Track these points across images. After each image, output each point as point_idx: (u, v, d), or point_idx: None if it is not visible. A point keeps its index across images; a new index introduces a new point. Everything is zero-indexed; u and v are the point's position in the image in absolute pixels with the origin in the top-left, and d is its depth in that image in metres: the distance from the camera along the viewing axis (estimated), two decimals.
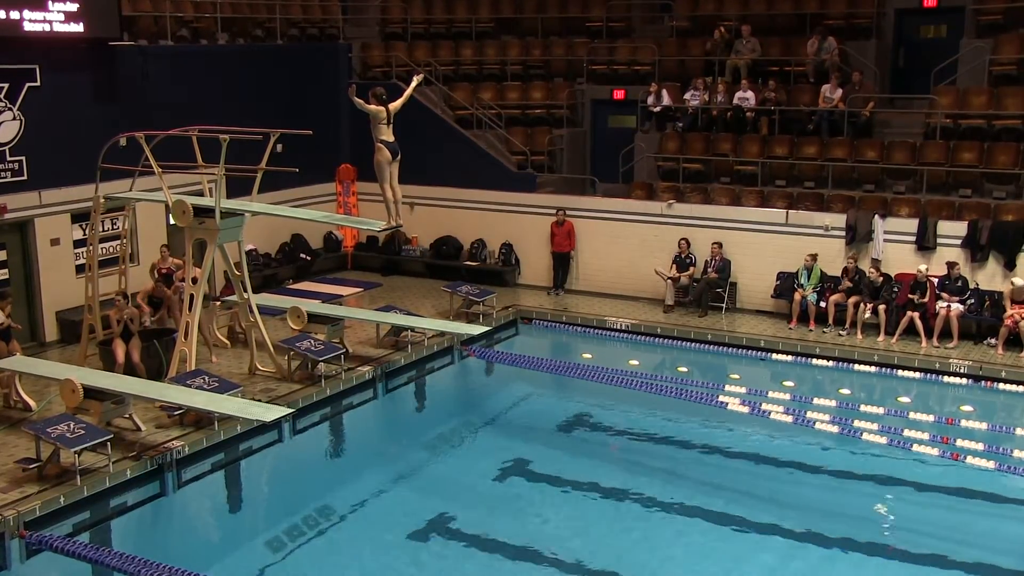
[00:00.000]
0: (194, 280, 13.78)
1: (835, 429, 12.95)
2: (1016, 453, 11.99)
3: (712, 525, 11.22)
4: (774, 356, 16.08)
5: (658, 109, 19.83)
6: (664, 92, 19.77)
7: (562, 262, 19.15)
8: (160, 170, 13.93)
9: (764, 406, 13.51)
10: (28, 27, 15.35)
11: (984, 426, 13.26)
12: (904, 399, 14.58)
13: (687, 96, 19.80)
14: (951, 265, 15.88)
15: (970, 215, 16.38)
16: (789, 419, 13.20)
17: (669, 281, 17.93)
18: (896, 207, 17.02)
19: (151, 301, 14.97)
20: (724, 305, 17.76)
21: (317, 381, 14.16)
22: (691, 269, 17.92)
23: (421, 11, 23.47)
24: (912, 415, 13.44)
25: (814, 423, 12.99)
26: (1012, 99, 17.35)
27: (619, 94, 20.83)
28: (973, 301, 15.87)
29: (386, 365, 15.12)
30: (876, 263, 16.48)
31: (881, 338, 16.00)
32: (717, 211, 18.09)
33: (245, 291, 14.37)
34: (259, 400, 13.14)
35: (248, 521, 12.14)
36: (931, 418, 13.48)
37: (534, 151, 20.56)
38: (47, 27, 15.58)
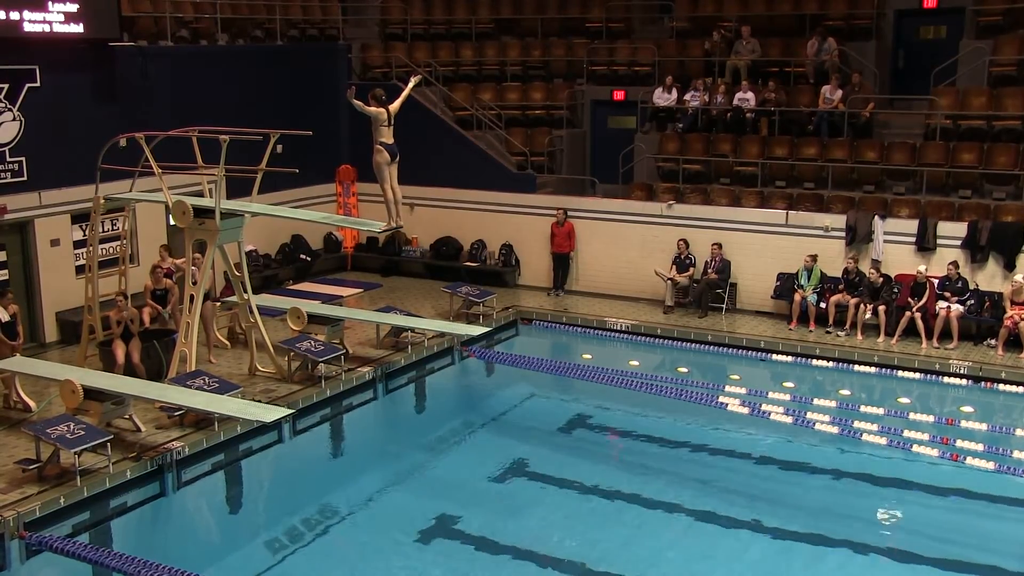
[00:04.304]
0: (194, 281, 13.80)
1: (835, 430, 12.94)
2: (1016, 454, 12.00)
3: (712, 526, 11.21)
4: (774, 357, 16.09)
5: (667, 103, 19.76)
6: (675, 88, 19.73)
7: (562, 263, 19.15)
8: (160, 171, 13.92)
9: (764, 407, 13.50)
10: (28, 28, 15.34)
11: (984, 427, 13.26)
12: (904, 400, 14.57)
13: (687, 97, 19.79)
14: (954, 265, 15.91)
15: (970, 216, 16.39)
16: (789, 420, 13.21)
17: (669, 282, 17.93)
18: (896, 208, 17.02)
19: (154, 295, 14.99)
20: (724, 306, 17.77)
21: (317, 382, 14.16)
22: (691, 270, 17.92)
23: (421, 12, 23.48)
24: (912, 416, 13.44)
25: (814, 424, 12.99)
26: (1011, 100, 17.35)
27: (619, 95, 20.82)
28: (973, 302, 15.87)
29: (386, 366, 15.12)
30: (876, 264, 16.48)
31: (881, 339, 16.00)
32: (717, 212, 18.09)
33: (245, 292, 14.36)
34: (259, 401, 13.13)
35: (248, 522, 12.13)
36: (931, 419, 13.48)
37: (534, 152, 20.57)
38: (47, 28, 15.57)
